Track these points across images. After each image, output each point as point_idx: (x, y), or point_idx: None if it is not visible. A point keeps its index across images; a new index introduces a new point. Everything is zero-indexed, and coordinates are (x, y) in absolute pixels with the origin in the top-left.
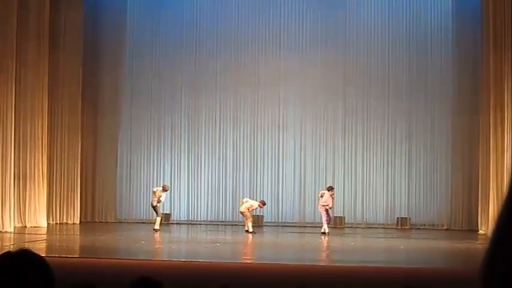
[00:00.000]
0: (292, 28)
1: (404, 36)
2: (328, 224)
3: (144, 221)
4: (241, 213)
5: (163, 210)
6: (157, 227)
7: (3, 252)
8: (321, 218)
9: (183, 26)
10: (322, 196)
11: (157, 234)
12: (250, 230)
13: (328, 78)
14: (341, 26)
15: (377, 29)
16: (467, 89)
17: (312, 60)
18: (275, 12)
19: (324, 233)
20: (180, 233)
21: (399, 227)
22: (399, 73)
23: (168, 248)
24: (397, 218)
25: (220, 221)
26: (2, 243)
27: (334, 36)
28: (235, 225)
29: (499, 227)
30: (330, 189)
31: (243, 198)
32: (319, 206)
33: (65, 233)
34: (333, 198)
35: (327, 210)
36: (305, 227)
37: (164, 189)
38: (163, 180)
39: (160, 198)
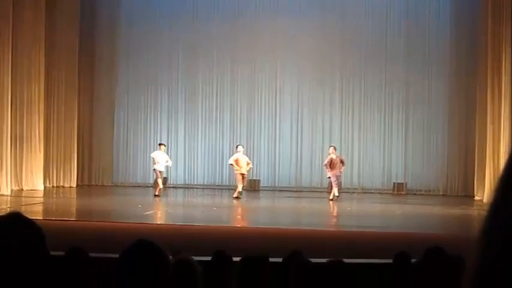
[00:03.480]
0: None
1: (402, 4)
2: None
3: (140, 185)
4: (244, 175)
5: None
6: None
7: None
8: (330, 183)
9: None
10: (337, 162)
11: (156, 199)
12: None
13: (325, 43)
14: None
15: None
16: (464, 55)
17: (310, 24)
18: None
19: (336, 197)
20: (176, 197)
21: (395, 192)
22: (396, 38)
23: (164, 211)
24: (394, 183)
25: (217, 185)
26: None
27: (331, 3)
28: (231, 189)
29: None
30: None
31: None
32: (339, 173)
33: (61, 196)
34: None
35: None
36: (301, 191)
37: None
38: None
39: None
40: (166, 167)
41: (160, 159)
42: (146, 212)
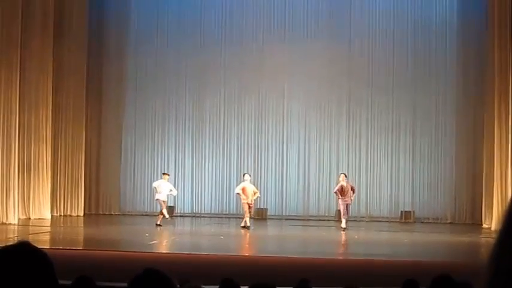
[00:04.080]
0: (297, 19)
1: (409, 28)
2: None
3: (147, 213)
4: (250, 205)
5: (167, 202)
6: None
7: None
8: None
9: (187, 16)
10: (348, 190)
11: (160, 228)
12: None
13: (332, 70)
14: (345, 17)
15: (382, 20)
16: (471, 82)
17: (317, 51)
18: (280, 2)
19: (343, 228)
20: (183, 226)
21: (403, 221)
22: (404, 65)
23: (171, 240)
24: (401, 211)
25: (224, 214)
26: (6, 235)
27: (338, 27)
28: (239, 217)
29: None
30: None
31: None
32: (349, 201)
33: (69, 225)
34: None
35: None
36: (309, 220)
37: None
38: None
39: (172, 192)
40: (170, 196)
41: (163, 189)
42: (153, 241)
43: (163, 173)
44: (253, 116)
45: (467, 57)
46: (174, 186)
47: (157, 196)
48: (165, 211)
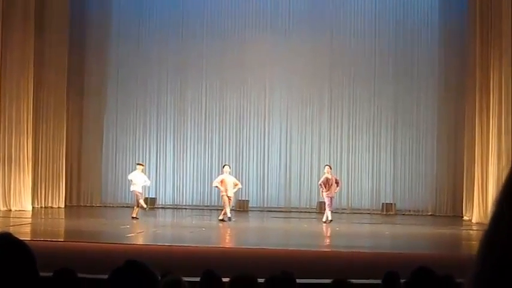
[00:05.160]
0: (279, 12)
1: (391, 21)
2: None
3: (129, 205)
4: (230, 197)
5: (149, 193)
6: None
7: None
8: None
9: (169, 9)
10: (332, 183)
11: (137, 220)
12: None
13: (314, 63)
14: (328, 10)
15: (364, 14)
16: (453, 75)
17: (299, 44)
18: None
19: (329, 220)
20: (165, 218)
21: (384, 213)
22: (385, 58)
23: (153, 232)
24: (383, 203)
25: (206, 206)
26: None
27: (321, 20)
28: (220, 209)
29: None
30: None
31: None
32: (333, 194)
33: (50, 216)
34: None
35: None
36: (290, 212)
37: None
38: (149, 165)
39: (146, 182)
40: (145, 187)
41: (138, 180)
42: (131, 234)
43: (138, 163)
44: (235, 108)
45: (448, 52)
46: (156, 179)
47: (132, 188)
48: (142, 202)
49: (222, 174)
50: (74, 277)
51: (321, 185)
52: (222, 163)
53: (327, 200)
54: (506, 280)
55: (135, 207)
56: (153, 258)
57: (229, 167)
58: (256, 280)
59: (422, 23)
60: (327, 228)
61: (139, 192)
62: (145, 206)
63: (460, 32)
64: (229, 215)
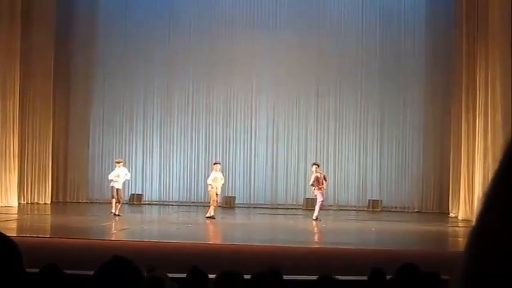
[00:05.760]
0: (266, 9)
1: (378, 19)
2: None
3: None
4: (218, 194)
5: (134, 190)
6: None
7: None
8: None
9: (156, 6)
10: (321, 180)
11: (127, 216)
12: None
13: (301, 61)
14: (315, 8)
15: (350, 12)
16: (439, 73)
17: (286, 42)
18: None
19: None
20: (151, 214)
21: (371, 209)
22: (372, 56)
23: (139, 228)
24: (369, 200)
25: (192, 202)
26: None
27: (307, 18)
28: (207, 205)
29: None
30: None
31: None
32: (323, 189)
33: (36, 213)
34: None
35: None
36: (277, 208)
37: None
38: (135, 161)
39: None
40: (126, 182)
41: (120, 178)
42: (121, 229)
43: (116, 161)
44: (221, 105)
45: (435, 49)
46: (143, 175)
47: (112, 184)
48: (114, 201)
49: (213, 171)
50: (59, 273)
51: (312, 184)
52: (208, 160)
53: (320, 197)
54: (495, 276)
55: (116, 204)
56: (139, 254)
57: (220, 164)
58: (243, 276)
59: (409, 21)
60: (313, 225)
61: (117, 189)
62: (113, 209)
63: (447, 30)
64: (213, 213)
